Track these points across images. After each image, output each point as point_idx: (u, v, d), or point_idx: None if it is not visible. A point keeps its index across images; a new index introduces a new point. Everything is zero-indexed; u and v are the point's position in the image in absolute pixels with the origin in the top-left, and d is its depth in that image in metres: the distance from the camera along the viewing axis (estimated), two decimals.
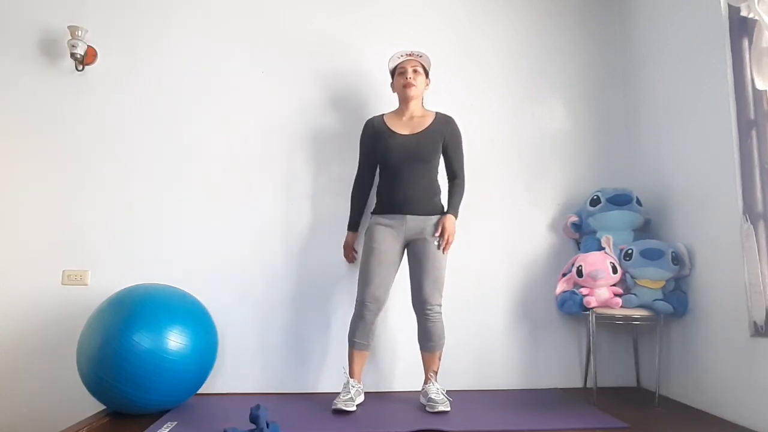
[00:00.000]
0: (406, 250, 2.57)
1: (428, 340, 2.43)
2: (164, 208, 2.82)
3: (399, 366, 2.79)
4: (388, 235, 2.49)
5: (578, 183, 3.01)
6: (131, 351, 2.11)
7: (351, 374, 2.44)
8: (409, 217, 2.49)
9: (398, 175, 2.52)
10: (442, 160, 2.64)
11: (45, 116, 2.83)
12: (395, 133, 2.57)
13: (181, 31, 2.96)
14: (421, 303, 2.42)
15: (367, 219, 2.67)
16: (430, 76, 2.68)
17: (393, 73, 2.65)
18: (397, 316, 2.78)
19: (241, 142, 2.91)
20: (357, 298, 2.46)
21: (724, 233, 2.28)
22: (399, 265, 2.54)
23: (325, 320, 2.79)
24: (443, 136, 2.59)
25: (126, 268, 2.72)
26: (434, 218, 2.52)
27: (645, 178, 2.91)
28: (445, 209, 2.57)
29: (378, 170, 2.66)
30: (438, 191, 2.60)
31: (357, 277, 2.51)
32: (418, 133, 2.57)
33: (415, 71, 2.57)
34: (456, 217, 2.55)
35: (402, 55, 2.61)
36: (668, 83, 2.74)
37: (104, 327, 2.19)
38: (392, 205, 2.52)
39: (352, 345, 2.45)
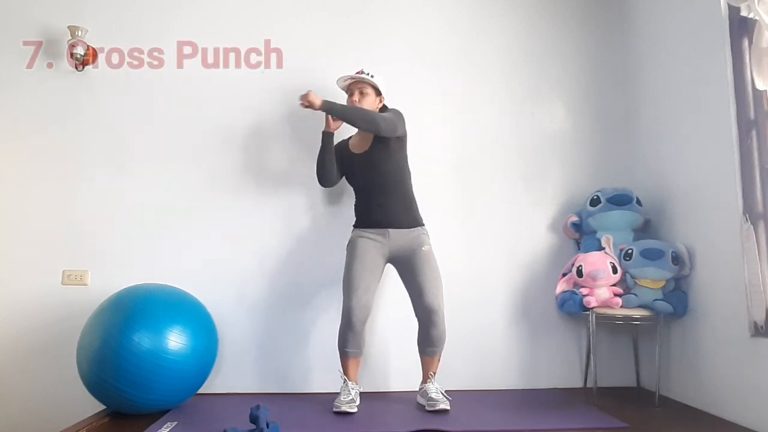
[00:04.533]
0: (392, 266, 2.55)
1: (432, 345, 2.41)
2: (164, 208, 2.82)
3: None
4: (371, 247, 2.48)
5: (578, 183, 3.01)
6: (131, 351, 2.12)
7: (347, 378, 2.42)
8: (392, 231, 2.49)
9: (369, 192, 2.55)
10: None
11: (45, 116, 2.83)
12: (352, 153, 2.60)
13: (181, 31, 2.95)
14: (428, 310, 2.37)
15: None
16: (383, 92, 2.63)
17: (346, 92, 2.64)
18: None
19: (241, 142, 2.91)
20: (343, 306, 2.39)
21: (724, 233, 2.28)
22: (380, 278, 2.52)
23: (325, 320, 2.77)
24: (388, 137, 2.50)
25: (126, 268, 2.71)
26: (417, 230, 2.52)
27: (645, 178, 2.91)
28: (422, 221, 2.56)
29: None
30: (413, 202, 2.59)
31: None
32: (368, 149, 2.56)
33: (361, 93, 2.56)
34: (325, 104, 2.42)
35: (347, 79, 2.59)
36: (668, 83, 2.74)
37: (104, 327, 2.20)
38: (372, 221, 2.53)
39: (345, 355, 2.41)
